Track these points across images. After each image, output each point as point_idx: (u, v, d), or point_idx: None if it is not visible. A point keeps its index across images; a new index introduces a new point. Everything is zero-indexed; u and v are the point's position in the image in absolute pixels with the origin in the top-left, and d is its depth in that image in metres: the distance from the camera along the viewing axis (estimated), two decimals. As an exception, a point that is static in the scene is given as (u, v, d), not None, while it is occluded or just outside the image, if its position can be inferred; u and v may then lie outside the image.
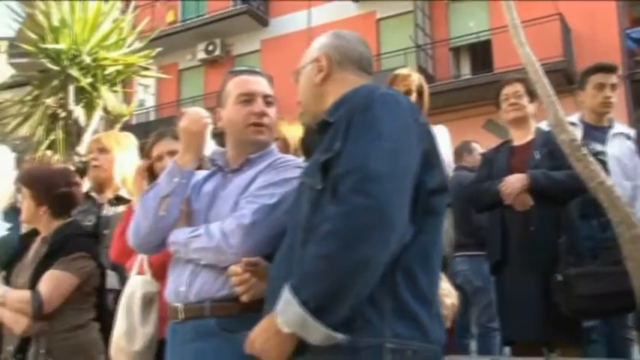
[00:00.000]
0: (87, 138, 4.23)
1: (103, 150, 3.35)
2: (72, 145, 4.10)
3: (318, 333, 1.31)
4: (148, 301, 2.25)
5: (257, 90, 2.02)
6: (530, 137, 3.15)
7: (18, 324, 2.49)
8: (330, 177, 1.41)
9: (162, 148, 2.55)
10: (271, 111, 2.01)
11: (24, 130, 3.99)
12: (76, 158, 4.21)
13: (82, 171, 4.03)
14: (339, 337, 1.33)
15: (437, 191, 1.48)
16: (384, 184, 1.32)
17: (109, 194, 3.25)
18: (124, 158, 3.29)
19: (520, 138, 3.19)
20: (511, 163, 3.11)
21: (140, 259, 2.33)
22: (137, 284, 2.28)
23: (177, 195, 1.97)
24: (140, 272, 2.32)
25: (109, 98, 4.15)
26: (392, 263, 1.38)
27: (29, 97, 3.95)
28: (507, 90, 3.21)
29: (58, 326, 2.52)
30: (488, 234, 3.26)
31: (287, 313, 1.33)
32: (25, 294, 2.50)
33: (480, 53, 14.07)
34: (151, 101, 17.15)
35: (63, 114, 4.06)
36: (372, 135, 1.39)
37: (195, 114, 2.00)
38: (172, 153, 2.44)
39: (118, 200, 3.25)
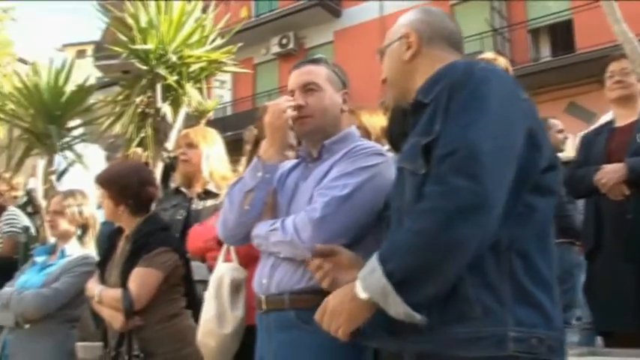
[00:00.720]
0: (174, 134, 4.38)
1: (191, 145, 3.40)
2: (160, 141, 4.27)
3: (397, 308, 1.28)
4: (236, 287, 2.31)
5: (294, 83, 2.04)
6: (634, 118, 2.96)
7: (115, 320, 2.64)
8: (432, 161, 1.35)
9: None
10: (312, 98, 2.00)
11: (116, 129, 4.20)
12: (165, 154, 4.37)
13: (171, 166, 4.19)
14: (418, 317, 1.29)
15: (548, 169, 1.40)
16: (485, 164, 1.25)
17: (197, 188, 3.32)
18: (211, 152, 3.34)
19: (624, 118, 3.00)
20: (610, 147, 2.95)
21: (227, 247, 2.40)
22: (225, 270, 2.34)
23: (261, 189, 1.99)
24: (227, 260, 2.39)
25: (194, 95, 4.29)
26: (507, 245, 1.32)
27: (120, 97, 4.15)
28: (613, 67, 3.01)
29: (154, 318, 2.65)
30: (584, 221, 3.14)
31: (369, 280, 1.31)
32: (117, 292, 2.64)
33: (561, 34, 13.52)
34: (227, 97, 17.58)
35: (151, 112, 4.24)
36: (472, 113, 1.32)
37: (276, 107, 2.00)
38: None
39: (207, 194, 3.30)
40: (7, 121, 4.51)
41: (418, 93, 1.51)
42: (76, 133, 4.65)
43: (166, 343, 2.64)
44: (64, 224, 3.32)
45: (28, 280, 3.26)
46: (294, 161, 2.14)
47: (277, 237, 1.90)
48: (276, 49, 17.58)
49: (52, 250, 3.42)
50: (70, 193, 3.42)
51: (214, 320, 2.27)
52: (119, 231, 2.92)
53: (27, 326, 3.12)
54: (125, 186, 2.78)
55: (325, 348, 1.84)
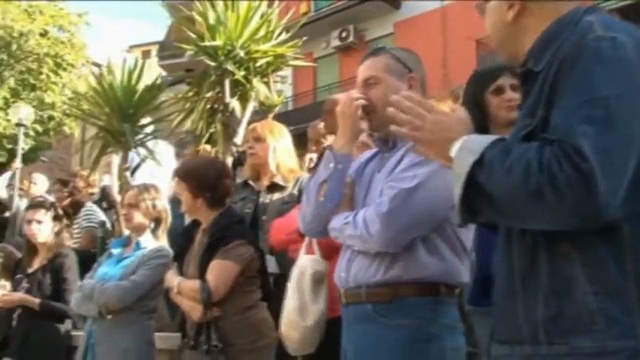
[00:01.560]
0: (242, 129, 4.44)
1: (258, 139, 3.45)
2: (229, 136, 4.33)
3: (455, 196, 1.25)
4: (317, 280, 2.33)
5: (358, 78, 2.04)
6: None
7: (194, 311, 2.70)
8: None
9: None
10: (372, 92, 1.99)
11: (187, 125, 4.30)
12: (234, 149, 4.43)
13: (238, 161, 4.25)
14: (458, 220, 1.29)
15: None
16: (602, 164, 1.11)
17: (265, 182, 3.37)
18: (278, 146, 3.39)
19: None
20: None
21: (309, 239, 2.41)
22: (307, 263, 2.36)
23: (333, 180, 1.98)
24: (309, 252, 2.41)
25: (261, 89, 4.34)
26: (631, 246, 1.18)
27: (190, 94, 4.24)
28: None
29: (230, 310, 2.70)
30: None
31: (463, 152, 1.25)
32: (195, 284, 2.70)
33: (634, 15, 12.93)
34: (288, 92, 17.72)
35: (220, 107, 4.30)
36: (582, 97, 1.16)
37: (347, 97, 2.01)
38: None
39: (274, 187, 3.35)
40: (83, 119, 4.68)
41: (528, 58, 1.35)
42: (147, 130, 4.78)
43: (243, 335, 2.69)
44: (138, 217, 3.42)
45: (107, 272, 3.38)
46: (372, 151, 2.15)
47: (349, 231, 1.91)
48: (336, 42, 17.59)
49: (126, 243, 3.53)
50: (144, 188, 3.52)
51: (296, 313, 2.30)
52: (195, 224, 2.99)
53: (109, 317, 3.24)
54: (203, 179, 2.83)
55: (401, 342, 1.85)
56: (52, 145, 14.97)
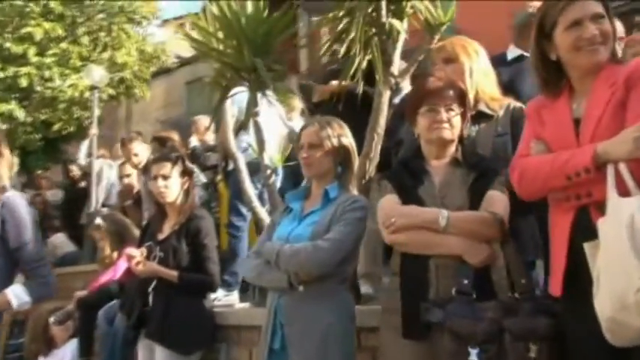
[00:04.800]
0: (397, 55, 3.62)
1: (448, 60, 2.88)
2: (386, 64, 3.52)
3: None
4: None
5: None
6: None
7: (477, 251, 2.14)
8: None
9: None
10: None
11: (341, 51, 3.51)
12: (392, 80, 3.63)
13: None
14: None
15: None
16: None
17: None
18: (475, 67, 2.81)
19: None
20: None
21: (613, 172, 1.74)
22: (636, 210, 1.65)
23: None
24: (622, 190, 1.72)
25: (423, 5, 3.52)
26: None
27: (343, 13, 3.46)
28: None
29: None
30: None
31: None
32: (482, 215, 2.19)
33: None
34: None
35: (374, 30, 3.50)
36: None
37: None
38: None
39: (479, 116, 2.73)
40: (211, 57, 3.92)
41: None
42: (279, 66, 3.97)
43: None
44: (323, 160, 2.66)
45: (291, 231, 2.62)
46: None
47: None
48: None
49: (306, 194, 2.77)
50: (326, 122, 2.74)
51: None
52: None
53: (301, 288, 2.49)
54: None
55: None
56: (103, 119, 14.43)
